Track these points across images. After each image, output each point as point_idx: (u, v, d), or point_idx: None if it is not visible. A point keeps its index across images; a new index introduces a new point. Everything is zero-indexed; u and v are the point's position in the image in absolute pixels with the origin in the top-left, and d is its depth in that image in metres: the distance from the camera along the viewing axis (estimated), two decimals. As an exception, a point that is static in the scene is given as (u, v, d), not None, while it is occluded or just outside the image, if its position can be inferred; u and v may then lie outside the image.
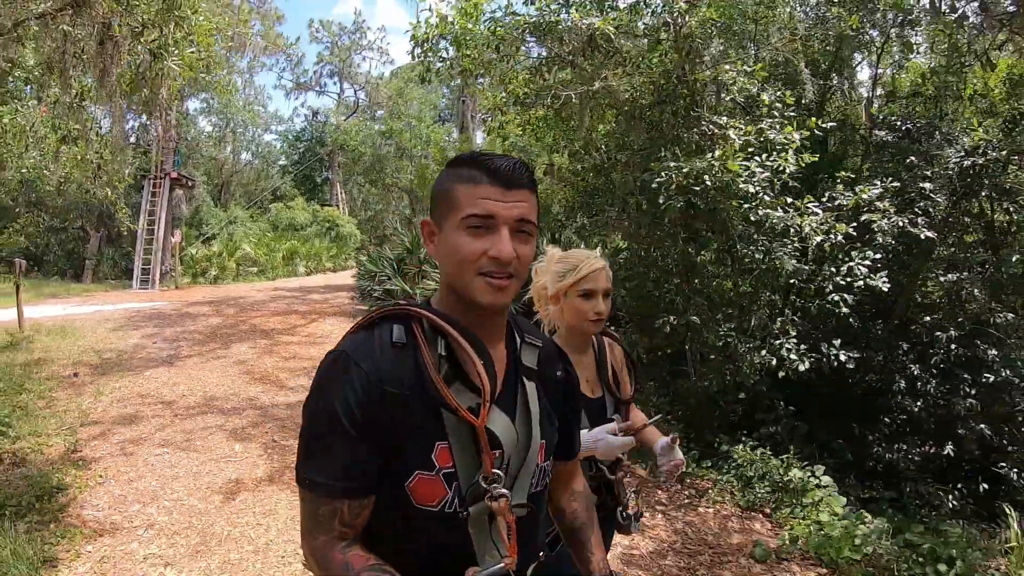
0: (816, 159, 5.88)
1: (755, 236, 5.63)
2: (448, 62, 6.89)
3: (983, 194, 7.17)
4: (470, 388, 1.33)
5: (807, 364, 5.68)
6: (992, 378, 7.74)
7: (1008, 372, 7.83)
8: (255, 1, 28.52)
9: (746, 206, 5.38)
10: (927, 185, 6.45)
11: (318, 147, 38.75)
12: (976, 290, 7.34)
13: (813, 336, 6.48)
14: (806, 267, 5.67)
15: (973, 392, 7.89)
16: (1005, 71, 7.54)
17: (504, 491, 1.31)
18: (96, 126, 5.98)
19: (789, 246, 5.59)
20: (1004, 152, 6.49)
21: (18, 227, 8.80)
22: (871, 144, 7.49)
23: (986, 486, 7.76)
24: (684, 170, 5.14)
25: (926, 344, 7.99)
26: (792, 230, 5.47)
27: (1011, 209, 7.37)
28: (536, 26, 5.91)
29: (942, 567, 4.79)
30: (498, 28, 6.23)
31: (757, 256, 5.67)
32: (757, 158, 5.45)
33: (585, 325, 2.39)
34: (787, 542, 5.04)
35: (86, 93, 5.38)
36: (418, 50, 6.87)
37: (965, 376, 7.90)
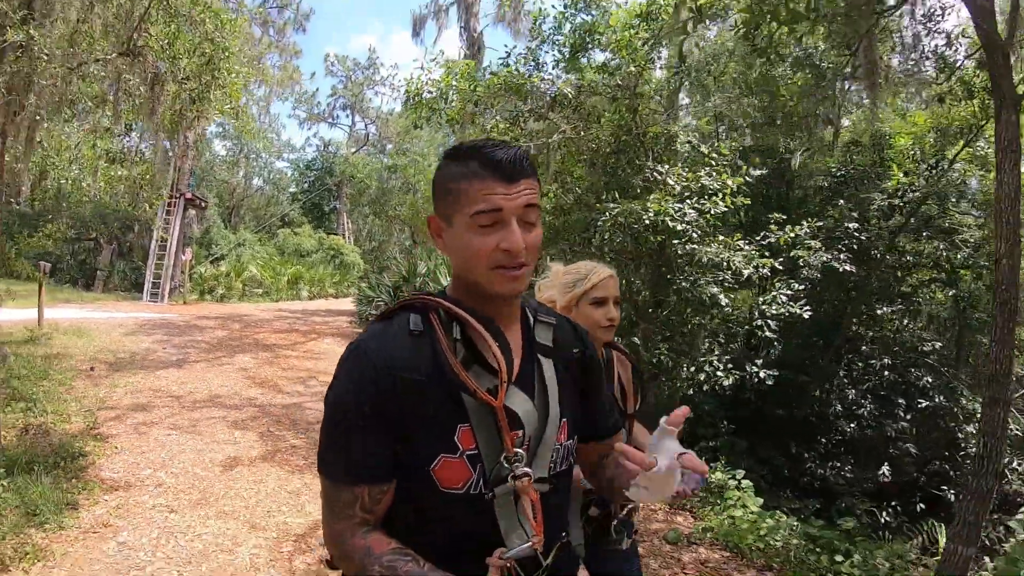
0: (748, 202, 6.80)
1: (686, 268, 6.51)
2: (437, 112, 7.83)
3: (902, 234, 8.06)
4: (488, 371, 1.35)
5: (731, 380, 6.51)
6: (926, 403, 8.53)
7: (943, 398, 8.61)
8: (274, 35, 29.86)
9: (676, 242, 6.27)
10: (852, 225, 7.36)
11: (327, 177, 39.88)
12: (907, 320, 8.20)
13: (740, 356, 7.31)
14: (730, 296, 6.51)
15: (908, 416, 8.68)
16: (924, 122, 8.46)
17: (527, 469, 1.33)
18: (139, 153, 6.95)
19: (720, 277, 6.46)
20: (918, 193, 7.41)
21: (47, 232, 9.75)
22: (807, 188, 8.43)
23: (923, 506, 8.49)
24: (623, 211, 6.04)
25: (862, 370, 8.82)
26: (724, 263, 6.36)
27: (940, 247, 8.24)
28: (508, 86, 6.87)
29: (838, 557, 5.59)
30: (478, 87, 7.20)
31: (684, 285, 6.53)
32: (689, 201, 6.35)
33: (598, 332, 2.42)
34: (700, 530, 5.85)
35: (133, 124, 6.37)
36: (411, 102, 7.91)
37: (900, 401, 8.70)
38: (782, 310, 6.54)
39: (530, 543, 1.33)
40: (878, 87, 6.89)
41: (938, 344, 8.52)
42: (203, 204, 25.33)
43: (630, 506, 2.47)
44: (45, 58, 4.29)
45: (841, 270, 6.88)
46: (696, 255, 6.19)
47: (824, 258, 6.78)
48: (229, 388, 9.45)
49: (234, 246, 29.57)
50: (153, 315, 16.63)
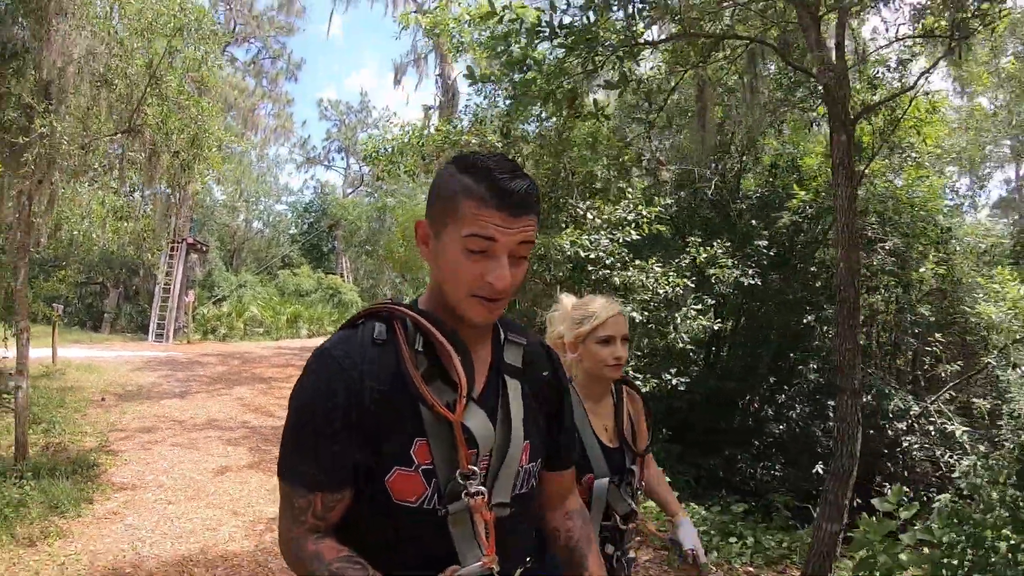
0: (662, 229, 7.91)
1: (601, 293, 7.54)
2: (395, 164, 8.98)
3: (798, 247, 9.13)
4: (450, 385, 1.32)
5: (648, 387, 7.50)
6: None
7: (870, 398, 9.49)
8: (267, 85, 31.32)
9: (590, 269, 7.35)
10: (762, 243, 8.44)
11: (324, 218, 41.18)
12: (827, 328, 9.20)
13: (658, 367, 8.26)
14: (644, 315, 7.50)
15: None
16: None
17: (481, 488, 1.31)
18: (142, 210, 8.07)
19: (639, 298, 7.49)
20: (813, 210, 8.52)
21: (59, 277, 10.89)
22: (722, 213, 9.55)
23: (859, 501, 9.39)
24: (542, 243, 7.13)
25: (790, 376, 9.81)
26: (639, 285, 7.42)
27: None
28: (448, 142, 8.03)
29: (732, 539, 6.44)
30: (424, 143, 8.36)
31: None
32: (604, 231, 7.45)
33: (604, 371, 2.42)
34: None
35: (135, 187, 7.56)
36: (370, 158, 9.21)
37: (829, 403, 9.62)
38: (695, 324, 7.58)
39: (481, 563, 1.30)
40: (760, 111, 7.94)
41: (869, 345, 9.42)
42: (204, 248, 26.54)
43: (637, 540, 2.59)
44: (65, 141, 5.43)
45: (747, 284, 7.93)
46: (610, 279, 7.26)
47: (735, 274, 7.83)
48: (226, 414, 10.48)
49: (235, 287, 30.73)
50: (158, 353, 17.73)
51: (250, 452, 8.25)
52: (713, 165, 9.52)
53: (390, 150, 8.76)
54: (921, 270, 8.70)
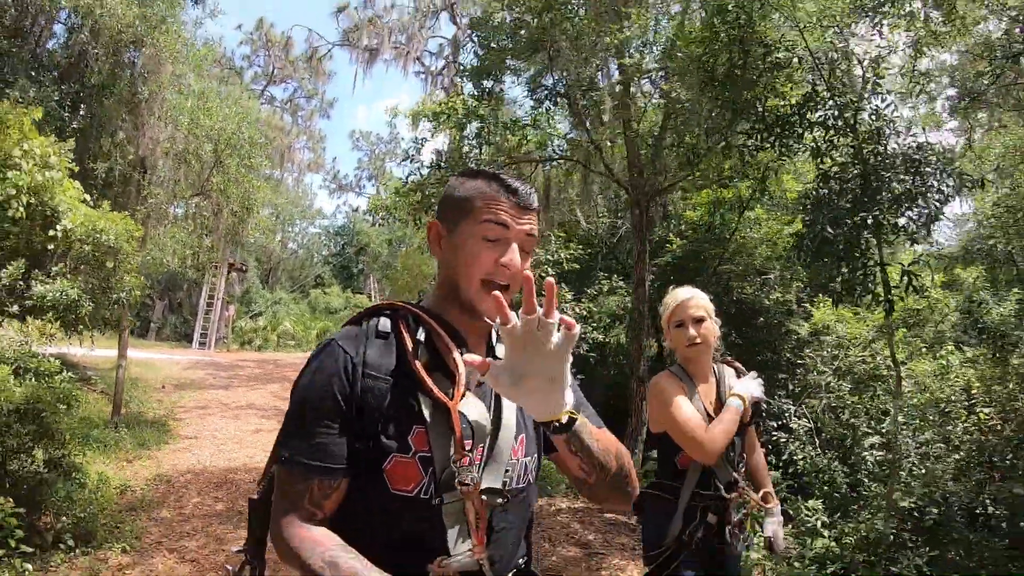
0: (578, 267, 10.72)
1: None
2: (392, 212, 11.83)
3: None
4: (449, 378, 1.37)
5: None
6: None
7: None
8: (302, 123, 34.70)
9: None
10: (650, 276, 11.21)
11: (353, 242, 44.24)
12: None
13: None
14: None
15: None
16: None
17: (474, 474, 1.33)
18: (205, 243, 11.07)
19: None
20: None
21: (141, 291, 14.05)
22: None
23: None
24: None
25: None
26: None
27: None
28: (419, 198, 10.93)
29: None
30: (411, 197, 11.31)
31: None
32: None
33: (684, 351, 2.63)
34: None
35: (206, 232, 10.67)
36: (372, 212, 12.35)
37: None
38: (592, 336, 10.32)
39: (470, 553, 1.32)
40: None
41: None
42: (244, 268, 29.79)
43: (743, 512, 2.63)
44: (163, 200, 8.45)
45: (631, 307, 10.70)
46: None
47: (627, 302, 10.57)
48: (261, 400, 13.38)
49: (270, 304, 33.98)
50: (203, 358, 20.78)
51: (279, 421, 11.13)
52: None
53: (387, 202, 11.69)
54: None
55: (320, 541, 1.29)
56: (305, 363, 1.43)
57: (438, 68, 14.56)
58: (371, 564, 1.26)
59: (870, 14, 5.89)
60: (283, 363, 21.52)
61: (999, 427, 5.68)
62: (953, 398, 6.10)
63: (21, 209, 5.27)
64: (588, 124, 9.57)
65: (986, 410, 5.78)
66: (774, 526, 2.68)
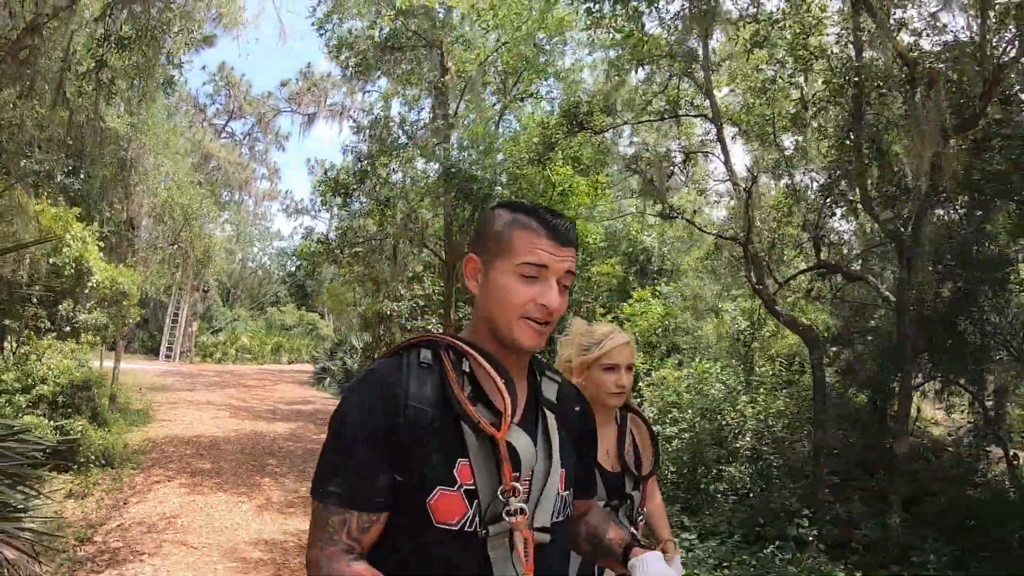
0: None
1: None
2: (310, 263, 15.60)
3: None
4: (492, 411, 1.36)
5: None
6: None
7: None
8: (260, 156, 38.37)
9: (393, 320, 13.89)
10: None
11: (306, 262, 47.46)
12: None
13: None
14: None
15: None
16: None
17: (523, 505, 1.32)
18: (177, 277, 14.78)
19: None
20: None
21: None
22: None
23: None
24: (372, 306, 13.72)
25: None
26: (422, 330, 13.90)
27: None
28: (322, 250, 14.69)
29: None
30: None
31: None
32: (408, 301, 13.96)
33: (606, 398, 2.45)
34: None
35: (176, 269, 14.41)
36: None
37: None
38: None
39: None
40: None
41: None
42: (206, 289, 33.16)
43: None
44: (146, 249, 12.13)
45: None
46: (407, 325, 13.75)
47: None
48: (218, 399, 16.90)
49: (230, 320, 37.38)
50: (170, 367, 24.25)
51: (231, 415, 14.78)
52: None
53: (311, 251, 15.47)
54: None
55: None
56: (345, 393, 1.42)
57: (368, 123, 18.10)
58: None
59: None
60: (239, 372, 25.08)
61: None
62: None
63: (71, 270, 8.89)
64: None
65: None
66: (677, 569, 2.57)
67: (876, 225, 8.01)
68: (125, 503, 7.21)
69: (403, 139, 13.40)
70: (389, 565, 1.32)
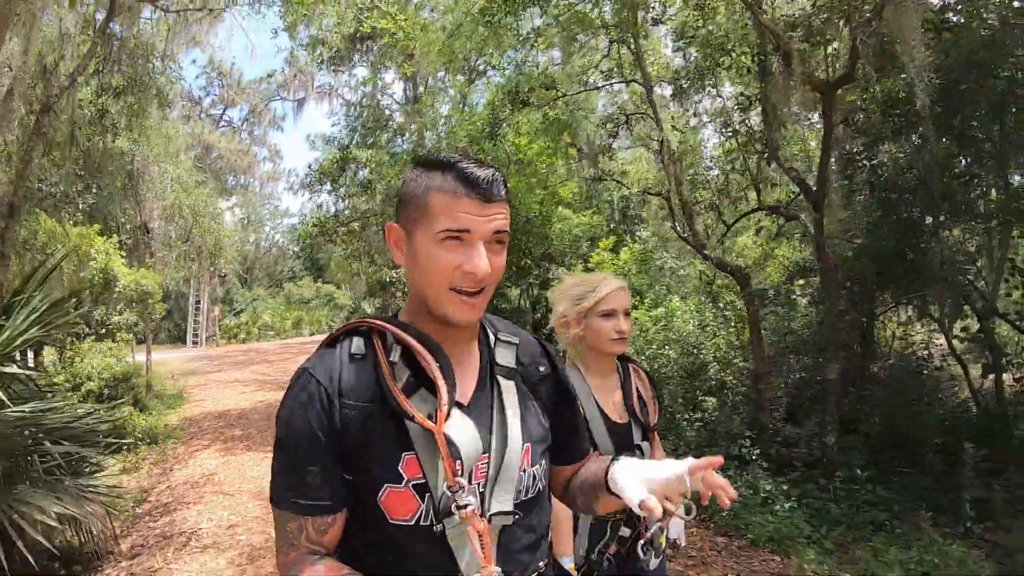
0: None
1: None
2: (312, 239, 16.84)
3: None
4: (434, 394, 1.29)
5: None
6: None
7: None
8: (260, 137, 39.52)
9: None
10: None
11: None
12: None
13: None
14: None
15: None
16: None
17: (470, 500, 1.27)
18: (193, 269, 16.22)
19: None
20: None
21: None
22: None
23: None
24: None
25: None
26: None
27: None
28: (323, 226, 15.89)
29: None
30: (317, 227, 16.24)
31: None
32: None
33: (607, 345, 2.41)
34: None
35: (192, 262, 15.80)
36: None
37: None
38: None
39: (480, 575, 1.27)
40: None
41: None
42: (223, 275, 34.63)
43: (656, 526, 2.37)
44: (161, 249, 13.46)
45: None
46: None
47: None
48: (245, 376, 18.41)
49: (250, 301, 38.99)
50: (198, 353, 25.84)
51: (256, 388, 16.22)
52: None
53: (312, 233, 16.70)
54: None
55: (327, 575, 1.26)
56: (284, 395, 1.36)
57: (358, 99, 19.12)
58: None
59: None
60: (263, 350, 26.64)
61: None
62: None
63: (100, 280, 10.21)
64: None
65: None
66: (680, 527, 2.65)
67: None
68: (171, 470, 8.61)
69: (387, 118, 14.48)
70: (360, 560, 1.31)
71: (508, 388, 1.43)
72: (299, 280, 45.71)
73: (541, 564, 1.41)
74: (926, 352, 8.59)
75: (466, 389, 1.39)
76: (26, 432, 4.34)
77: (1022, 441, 6.48)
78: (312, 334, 37.41)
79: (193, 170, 14.97)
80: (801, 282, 9.75)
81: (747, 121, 8.94)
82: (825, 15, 7.00)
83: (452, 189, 1.27)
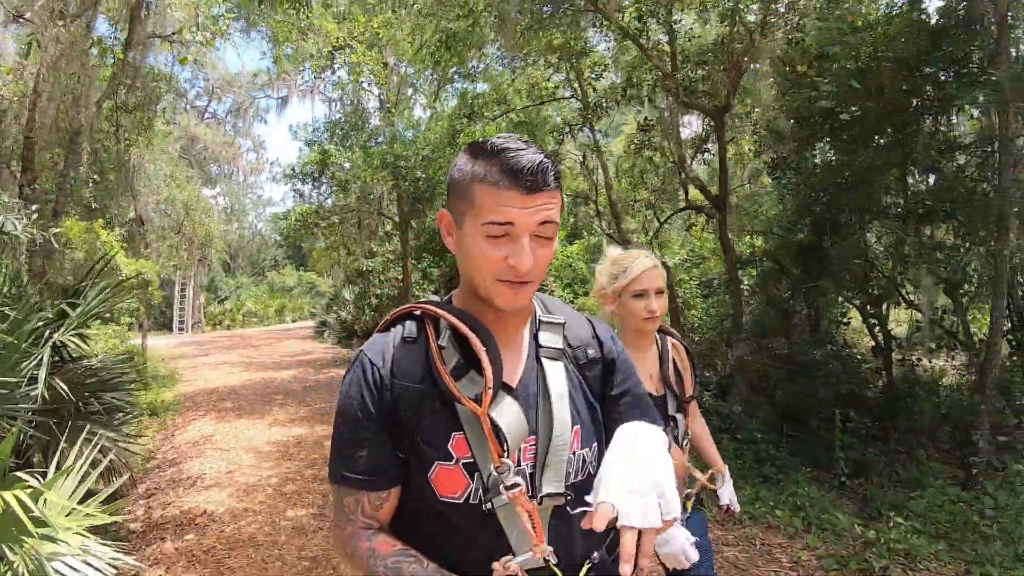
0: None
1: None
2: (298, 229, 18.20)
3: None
4: (483, 376, 1.31)
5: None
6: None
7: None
8: (243, 128, 40.63)
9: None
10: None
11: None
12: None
13: None
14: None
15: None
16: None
17: (517, 480, 1.30)
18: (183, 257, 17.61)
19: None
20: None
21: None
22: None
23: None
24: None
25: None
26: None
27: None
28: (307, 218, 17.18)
29: None
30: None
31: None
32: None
33: (639, 324, 2.47)
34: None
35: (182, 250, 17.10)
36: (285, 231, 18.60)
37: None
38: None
39: (530, 554, 1.29)
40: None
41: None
42: (209, 264, 35.82)
43: (688, 492, 2.54)
44: (155, 239, 14.77)
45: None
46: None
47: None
48: (232, 359, 19.64)
49: (234, 288, 40.18)
50: (185, 339, 27.07)
51: (243, 369, 17.52)
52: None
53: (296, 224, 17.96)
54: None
55: (379, 550, 1.31)
56: (342, 379, 1.43)
57: (338, 96, 20.53)
58: (434, 565, 1.28)
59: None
60: (248, 335, 27.95)
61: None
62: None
63: (102, 269, 11.54)
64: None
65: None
66: (729, 493, 2.71)
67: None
68: (172, 435, 9.95)
69: (364, 121, 15.79)
70: (410, 533, 1.37)
71: (555, 370, 1.44)
72: (282, 268, 46.76)
73: (595, 555, 1.35)
74: (868, 339, 9.39)
75: (514, 371, 1.42)
76: (90, 380, 5.74)
77: (905, 413, 7.81)
78: (294, 321, 38.51)
79: (183, 165, 16.34)
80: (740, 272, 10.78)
81: (651, 139, 10.37)
82: (710, 52, 8.41)
83: (496, 180, 1.27)
